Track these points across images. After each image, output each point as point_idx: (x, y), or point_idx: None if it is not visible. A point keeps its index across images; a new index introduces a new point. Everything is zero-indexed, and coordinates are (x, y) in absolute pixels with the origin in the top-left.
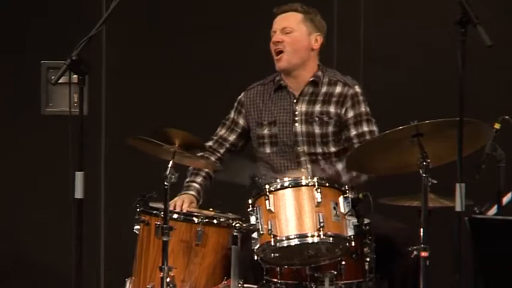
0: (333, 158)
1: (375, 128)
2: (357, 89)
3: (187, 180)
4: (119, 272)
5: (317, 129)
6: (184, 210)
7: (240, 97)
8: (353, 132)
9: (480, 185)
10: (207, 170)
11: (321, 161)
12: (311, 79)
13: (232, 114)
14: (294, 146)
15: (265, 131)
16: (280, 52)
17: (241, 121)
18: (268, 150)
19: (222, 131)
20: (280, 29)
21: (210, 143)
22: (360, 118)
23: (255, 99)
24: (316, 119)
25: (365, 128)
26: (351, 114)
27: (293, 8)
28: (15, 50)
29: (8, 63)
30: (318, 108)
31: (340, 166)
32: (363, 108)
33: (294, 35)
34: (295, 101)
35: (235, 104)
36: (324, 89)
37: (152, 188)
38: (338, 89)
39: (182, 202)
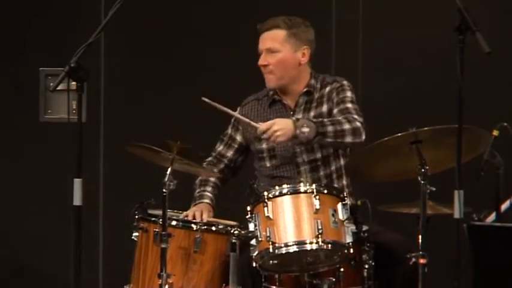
0: (331, 160)
1: (358, 109)
2: (344, 82)
3: (197, 190)
4: (118, 279)
5: None
6: (205, 220)
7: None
8: (336, 109)
9: (479, 192)
10: (213, 180)
11: (321, 167)
12: (305, 90)
13: (229, 130)
14: (293, 157)
15: (264, 145)
16: (268, 73)
17: (238, 137)
18: (268, 164)
19: (220, 147)
20: (264, 49)
21: (209, 159)
22: (344, 100)
23: (250, 115)
24: None
25: (349, 105)
26: (335, 99)
27: (275, 25)
28: (14, 57)
29: (7, 70)
30: (312, 113)
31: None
32: (348, 93)
33: (280, 56)
34: (291, 113)
35: (232, 120)
36: (317, 95)
37: (151, 194)
38: (328, 89)
39: (201, 212)
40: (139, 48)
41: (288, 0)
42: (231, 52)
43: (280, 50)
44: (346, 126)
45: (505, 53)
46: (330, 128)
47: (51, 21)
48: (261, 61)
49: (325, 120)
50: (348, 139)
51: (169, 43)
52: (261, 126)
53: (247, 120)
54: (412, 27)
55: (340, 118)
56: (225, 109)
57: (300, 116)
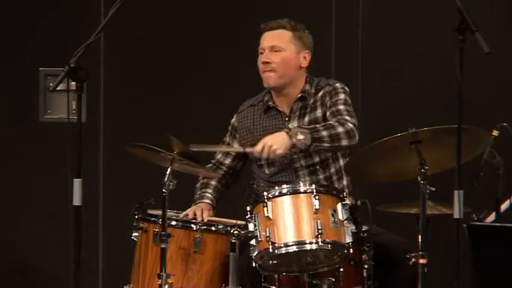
0: (330, 162)
1: (351, 110)
2: (337, 84)
3: (198, 192)
4: (117, 279)
5: None
6: (205, 220)
7: (232, 121)
8: (328, 112)
9: (478, 192)
10: (214, 183)
11: (320, 170)
12: (299, 95)
13: (227, 138)
14: (291, 163)
15: None
16: (268, 71)
17: (235, 145)
18: (267, 171)
19: (218, 155)
20: (268, 47)
21: (209, 166)
22: (336, 102)
23: (247, 122)
24: None
25: (340, 107)
26: (328, 103)
27: (281, 25)
28: (13, 57)
29: (7, 71)
30: (307, 119)
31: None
32: (341, 96)
33: (284, 55)
34: (287, 119)
35: (229, 128)
36: (311, 100)
37: (150, 195)
38: (321, 93)
39: (201, 211)
40: (140, 48)
41: (288, 1)
42: (231, 52)
43: (284, 49)
44: (340, 129)
45: (505, 53)
46: (324, 133)
47: (51, 21)
48: (264, 58)
49: (318, 125)
50: (344, 142)
51: (169, 43)
52: (256, 147)
53: (241, 149)
54: (412, 27)
55: (332, 122)
56: (215, 147)
57: (295, 122)
